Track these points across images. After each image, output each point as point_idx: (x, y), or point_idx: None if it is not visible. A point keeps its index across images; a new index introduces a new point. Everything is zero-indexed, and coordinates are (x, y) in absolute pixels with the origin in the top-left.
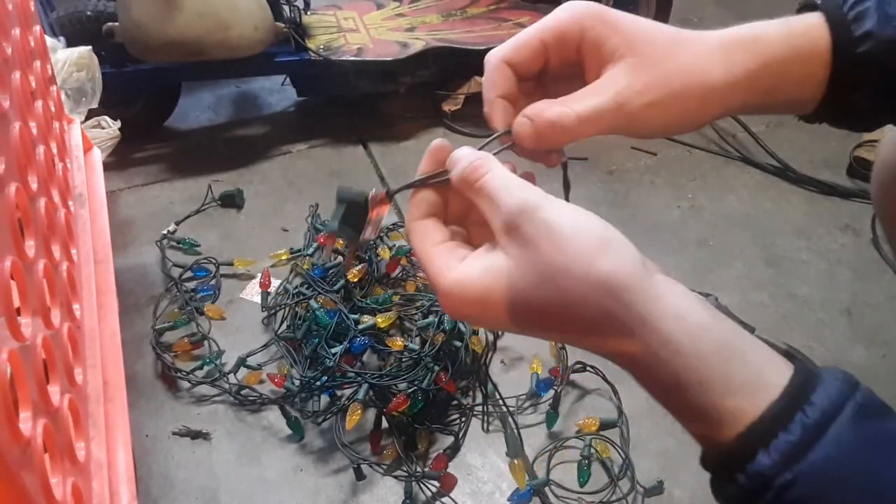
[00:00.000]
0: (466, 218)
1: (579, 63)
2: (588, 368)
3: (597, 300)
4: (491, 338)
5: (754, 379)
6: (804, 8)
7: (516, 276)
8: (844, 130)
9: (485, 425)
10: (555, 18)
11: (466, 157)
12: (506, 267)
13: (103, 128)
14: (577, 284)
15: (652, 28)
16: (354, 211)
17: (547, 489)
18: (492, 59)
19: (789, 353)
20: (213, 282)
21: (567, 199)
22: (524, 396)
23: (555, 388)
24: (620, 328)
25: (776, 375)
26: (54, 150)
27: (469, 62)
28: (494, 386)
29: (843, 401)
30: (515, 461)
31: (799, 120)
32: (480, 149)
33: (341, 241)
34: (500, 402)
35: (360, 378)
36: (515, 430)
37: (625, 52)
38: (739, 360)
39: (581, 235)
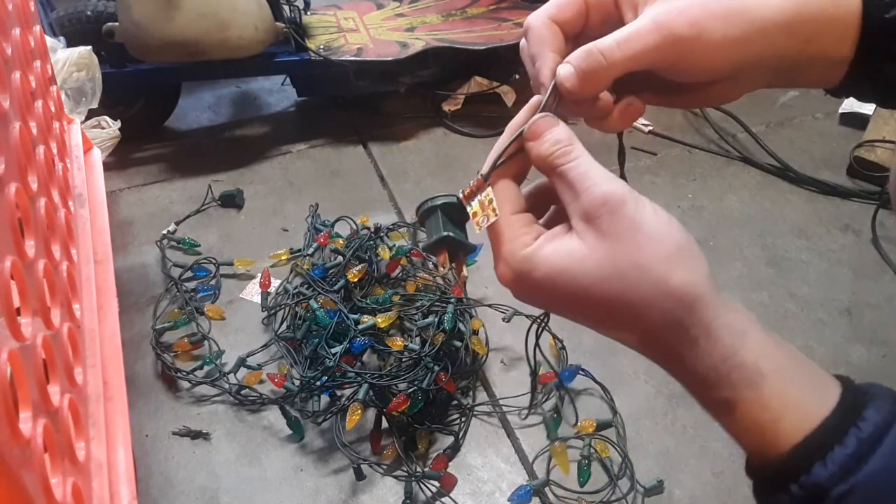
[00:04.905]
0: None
1: (619, 18)
2: (580, 371)
3: (666, 306)
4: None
5: (808, 396)
6: None
7: (590, 265)
8: (872, 103)
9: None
10: None
11: (552, 136)
12: (579, 253)
13: (103, 128)
14: (649, 286)
15: None
16: (451, 214)
17: (547, 489)
18: (536, 18)
19: (839, 377)
20: (213, 282)
21: (622, 169)
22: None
23: (558, 392)
24: (683, 336)
25: (827, 392)
26: (54, 150)
27: (469, 62)
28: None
29: (894, 416)
30: (556, 444)
31: (826, 94)
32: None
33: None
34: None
35: (360, 378)
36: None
37: None
38: (795, 377)
39: (663, 238)
